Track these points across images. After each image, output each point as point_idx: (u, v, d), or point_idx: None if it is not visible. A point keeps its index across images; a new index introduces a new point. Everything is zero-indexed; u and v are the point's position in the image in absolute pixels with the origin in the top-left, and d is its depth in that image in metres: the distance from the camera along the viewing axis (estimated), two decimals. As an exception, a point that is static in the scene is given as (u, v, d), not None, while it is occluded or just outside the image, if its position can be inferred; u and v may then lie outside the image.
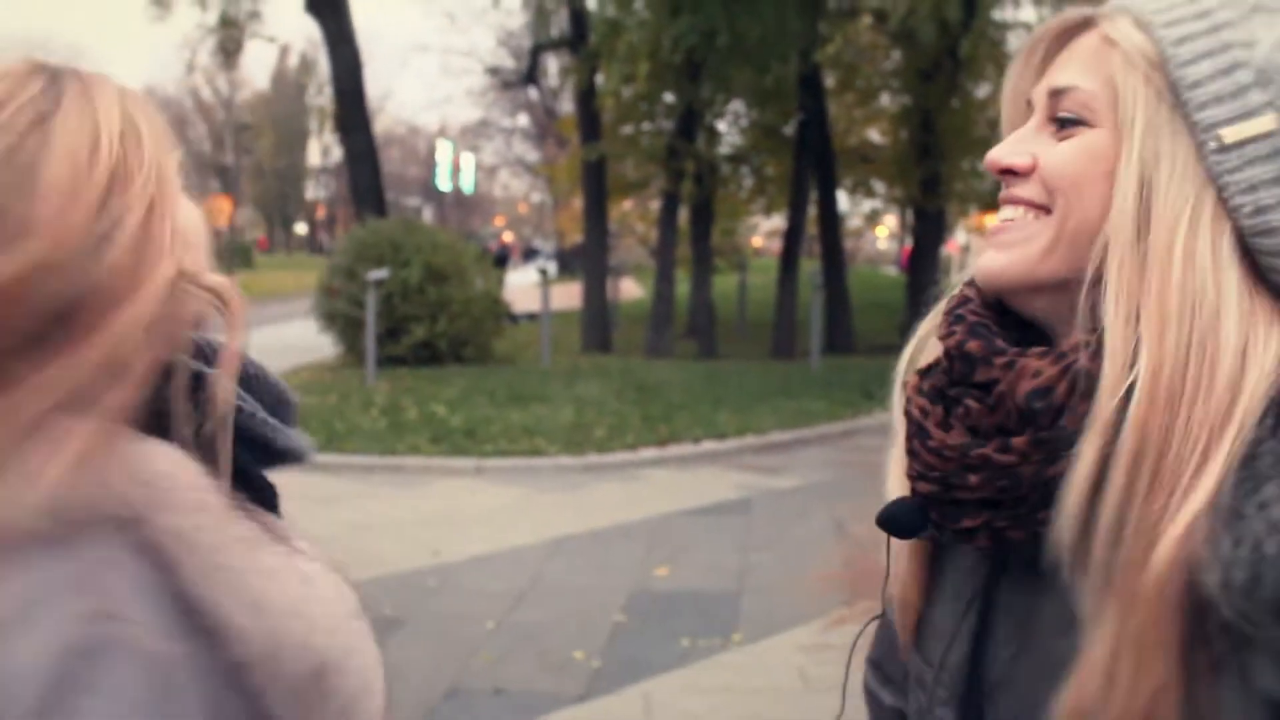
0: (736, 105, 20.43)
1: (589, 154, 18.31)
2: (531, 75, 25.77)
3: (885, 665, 1.28)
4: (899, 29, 14.98)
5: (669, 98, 17.96)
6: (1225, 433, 0.82)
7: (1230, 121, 0.86)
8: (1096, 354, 0.86)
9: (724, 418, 11.57)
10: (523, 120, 47.80)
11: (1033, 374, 0.87)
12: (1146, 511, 0.83)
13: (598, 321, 18.87)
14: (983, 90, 20.37)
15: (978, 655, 1.01)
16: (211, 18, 19.09)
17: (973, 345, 0.92)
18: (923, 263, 20.31)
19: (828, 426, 11.65)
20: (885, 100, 22.84)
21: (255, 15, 19.58)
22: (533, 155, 50.58)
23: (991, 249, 0.97)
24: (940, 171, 19.49)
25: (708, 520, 8.07)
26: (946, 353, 0.95)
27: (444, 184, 43.94)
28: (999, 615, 1.00)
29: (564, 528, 7.76)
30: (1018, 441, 0.87)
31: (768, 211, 26.34)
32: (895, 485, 1.05)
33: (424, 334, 14.96)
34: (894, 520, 1.02)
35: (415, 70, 74.40)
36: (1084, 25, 0.97)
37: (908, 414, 0.98)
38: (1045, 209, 0.94)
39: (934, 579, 1.10)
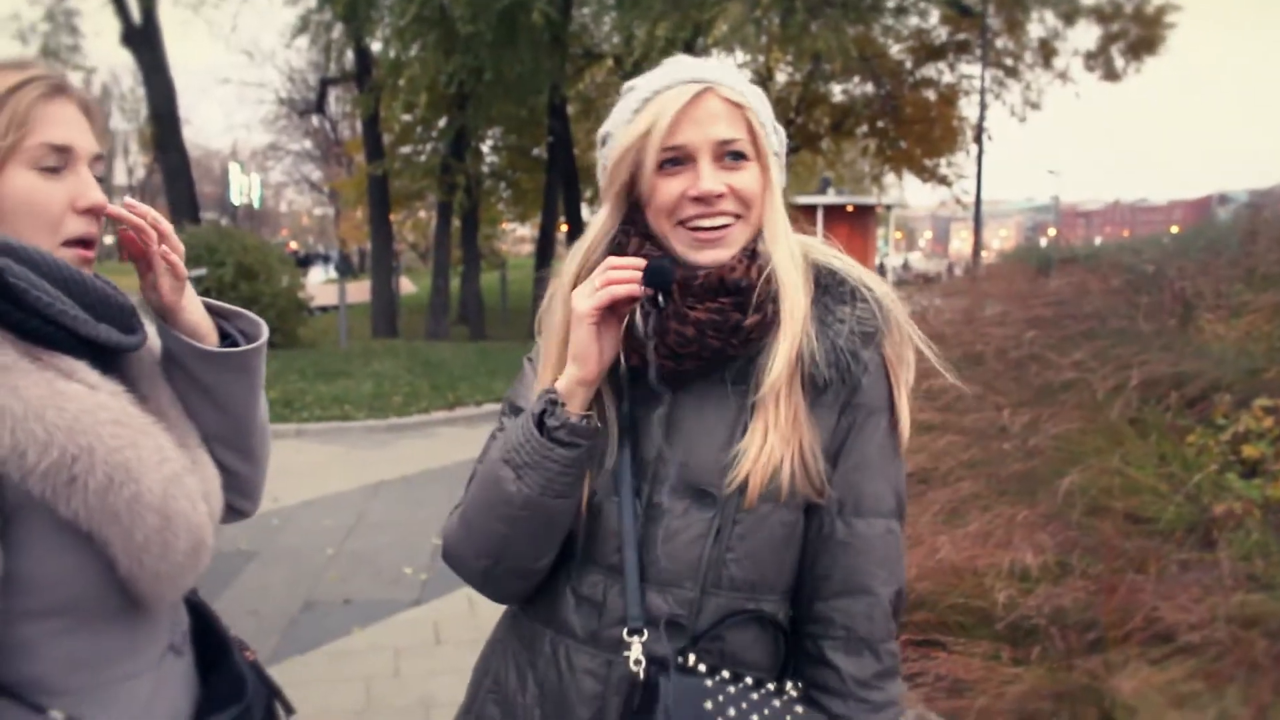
0: (497, 130, 20.67)
1: (375, 170, 18.16)
2: (319, 105, 25.16)
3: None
4: (631, 70, 15.59)
5: (443, 123, 18.11)
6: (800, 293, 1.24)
7: (780, 145, 1.31)
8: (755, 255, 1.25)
9: (499, 385, 11.69)
10: (308, 144, 46.52)
11: (730, 269, 1.23)
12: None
13: (386, 311, 18.75)
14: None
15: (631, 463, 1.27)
16: (32, 50, 17.69)
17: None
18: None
19: (583, 389, 12.12)
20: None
21: (75, 48, 18.35)
22: (317, 174, 49.46)
23: (713, 249, 1.24)
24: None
25: (496, 466, 8.37)
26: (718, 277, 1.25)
27: (236, 198, 42.61)
28: (649, 429, 1.27)
29: (378, 475, 7.83)
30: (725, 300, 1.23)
31: (523, 219, 26.66)
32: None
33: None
34: (659, 271, 1.21)
35: (213, 99, 71.03)
36: (702, 95, 1.22)
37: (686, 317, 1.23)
38: (739, 215, 1.24)
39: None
